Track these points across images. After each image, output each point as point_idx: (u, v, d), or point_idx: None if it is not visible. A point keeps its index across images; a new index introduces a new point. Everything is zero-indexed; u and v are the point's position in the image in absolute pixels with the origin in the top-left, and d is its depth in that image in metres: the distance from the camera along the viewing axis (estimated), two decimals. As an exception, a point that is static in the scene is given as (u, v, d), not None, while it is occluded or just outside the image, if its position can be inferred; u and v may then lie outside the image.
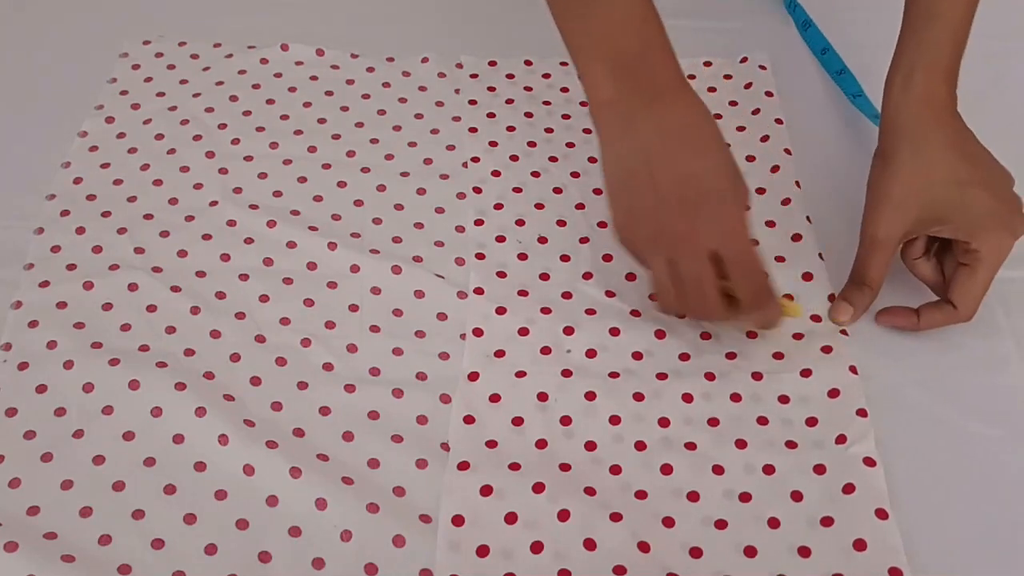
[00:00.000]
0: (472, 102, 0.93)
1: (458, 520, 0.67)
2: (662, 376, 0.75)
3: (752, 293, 0.72)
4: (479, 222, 0.84)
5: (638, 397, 0.73)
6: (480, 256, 0.82)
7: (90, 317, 0.77)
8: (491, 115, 0.92)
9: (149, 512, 0.67)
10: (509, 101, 0.93)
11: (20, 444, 0.70)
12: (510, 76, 0.96)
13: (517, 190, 0.86)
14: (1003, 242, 0.74)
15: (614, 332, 0.77)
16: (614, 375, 0.75)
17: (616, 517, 0.67)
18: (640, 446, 0.71)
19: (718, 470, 0.70)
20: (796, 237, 0.83)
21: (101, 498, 0.68)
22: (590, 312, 0.78)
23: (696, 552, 0.67)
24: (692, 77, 0.96)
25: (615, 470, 0.70)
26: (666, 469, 0.70)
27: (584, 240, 0.83)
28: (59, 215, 0.83)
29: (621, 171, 0.71)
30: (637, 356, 0.76)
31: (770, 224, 0.84)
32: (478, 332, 0.77)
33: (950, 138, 0.76)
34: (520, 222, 0.84)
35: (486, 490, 0.69)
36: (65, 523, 0.67)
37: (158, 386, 0.72)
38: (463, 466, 0.70)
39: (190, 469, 0.69)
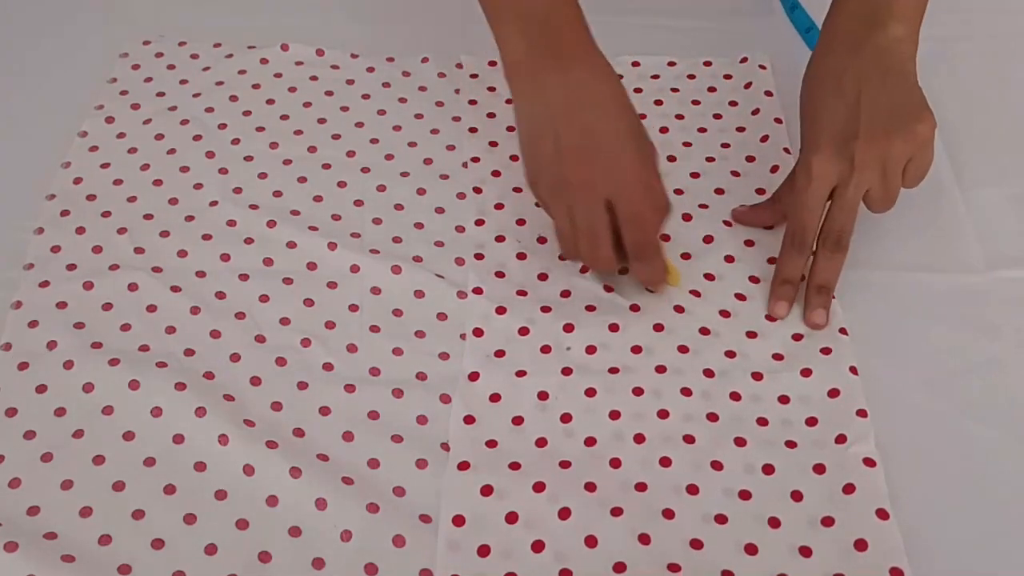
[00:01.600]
0: (472, 102, 0.93)
1: (459, 520, 0.67)
2: (661, 369, 0.75)
3: (637, 243, 0.75)
4: (479, 222, 0.84)
5: (637, 391, 0.74)
6: (479, 256, 0.82)
7: (90, 317, 0.77)
8: (491, 115, 0.92)
9: (149, 512, 0.67)
10: (509, 101, 0.93)
11: (20, 444, 0.70)
12: (511, 76, 0.96)
13: (517, 190, 0.86)
14: (824, 168, 0.75)
15: (613, 328, 0.77)
16: (614, 371, 0.75)
17: (617, 512, 0.68)
18: (639, 438, 0.71)
19: (717, 466, 0.70)
20: None
21: (101, 498, 0.68)
22: (590, 309, 0.78)
23: (697, 544, 0.67)
24: (692, 77, 0.96)
25: (615, 463, 0.70)
26: (665, 462, 0.70)
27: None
28: (59, 215, 0.83)
29: (530, 127, 0.76)
30: (636, 350, 0.76)
31: (768, 225, 0.84)
32: (478, 332, 0.77)
33: (864, 49, 0.78)
34: (520, 222, 0.84)
35: (486, 490, 0.69)
36: (65, 523, 0.67)
37: (158, 386, 0.72)
38: (463, 466, 0.70)
39: (190, 469, 0.69)
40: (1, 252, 0.81)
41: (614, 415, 0.72)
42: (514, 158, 0.88)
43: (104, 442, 0.70)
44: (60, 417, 0.71)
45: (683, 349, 0.76)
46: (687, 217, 0.84)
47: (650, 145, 0.76)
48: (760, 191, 0.86)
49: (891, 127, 0.76)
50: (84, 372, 0.73)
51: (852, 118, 0.76)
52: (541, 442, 0.71)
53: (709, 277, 0.81)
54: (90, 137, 0.89)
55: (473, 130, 0.91)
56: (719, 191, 0.86)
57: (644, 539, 0.67)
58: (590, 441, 0.71)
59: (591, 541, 0.67)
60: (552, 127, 0.74)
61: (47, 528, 0.66)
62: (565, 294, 0.79)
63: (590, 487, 0.69)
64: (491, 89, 0.94)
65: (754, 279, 0.81)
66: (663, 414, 0.73)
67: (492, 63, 0.96)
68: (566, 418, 0.72)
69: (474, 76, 0.95)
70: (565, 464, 0.70)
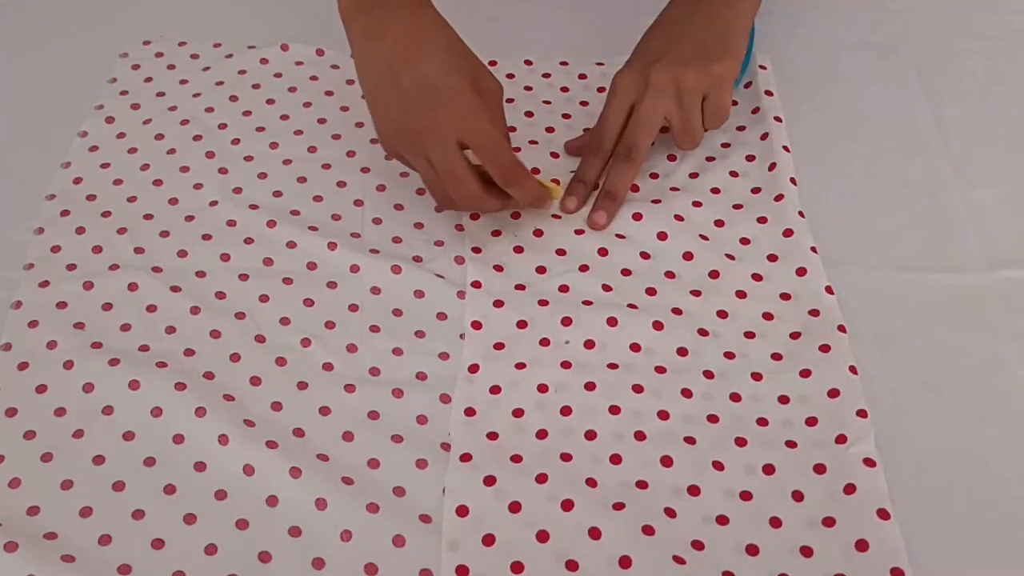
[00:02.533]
0: (472, 102, 0.93)
1: (462, 510, 0.68)
2: (660, 369, 0.75)
3: (501, 171, 0.77)
4: (474, 216, 0.84)
5: (637, 389, 0.74)
6: (476, 250, 0.82)
7: (90, 317, 0.77)
8: (491, 115, 0.92)
9: (149, 512, 0.67)
10: (509, 100, 0.93)
11: (20, 444, 0.70)
12: (510, 76, 0.96)
13: None
14: (623, 83, 0.83)
15: (611, 323, 0.77)
16: (613, 366, 0.75)
17: (619, 506, 0.68)
18: (639, 436, 0.71)
19: (718, 466, 0.70)
20: (788, 232, 0.83)
21: (101, 498, 0.68)
22: (587, 303, 0.78)
23: (698, 545, 0.67)
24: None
25: (615, 459, 0.70)
26: (666, 461, 0.70)
27: (579, 232, 0.83)
28: (59, 215, 0.83)
29: (371, 83, 0.78)
30: (635, 348, 0.76)
31: (761, 220, 0.84)
32: (476, 325, 0.77)
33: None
34: (515, 215, 0.84)
35: (489, 480, 0.69)
36: (65, 523, 0.67)
37: (158, 386, 0.72)
38: (465, 458, 0.70)
39: (190, 469, 0.69)
40: (1, 252, 0.81)
41: (614, 410, 0.73)
42: (516, 150, 0.88)
43: (104, 442, 0.70)
44: (60, 417, 0.71)
45: (682, 352, 0.76)
46: (679, 218, 0.84)
47: (494, 84, 0.79)
48: (756, 190, 0.86)
49: (690, 59, 0.82)
50: (84, 372, 0.73)
51: (662, 49, 0.83)
52: (542, 434, 0.72)
53: (714, 274, 0.81)
54: (90, 137, 0.89)
55: (473, 130, 0.91)
56: (715, 191, 0.86)
57: (648, 530, 0.67)
58: (590, 435, 0.71)
59: (595, 533, 0.67)
60: (392, 80, 0.76)
61: (47, 528, 0.66)
62: (563, 289, 0.79)
63: (591, 483, 0.69)
64: (491, 89, 0.94)
65: (757, 276, 0.80)
66: (663, 415, 0.73)
67: (493, 63, 0.96)
68: (566, 411, 0.73)
69: (474, 76, 0.95)
70: (566, 457, 0.70)
